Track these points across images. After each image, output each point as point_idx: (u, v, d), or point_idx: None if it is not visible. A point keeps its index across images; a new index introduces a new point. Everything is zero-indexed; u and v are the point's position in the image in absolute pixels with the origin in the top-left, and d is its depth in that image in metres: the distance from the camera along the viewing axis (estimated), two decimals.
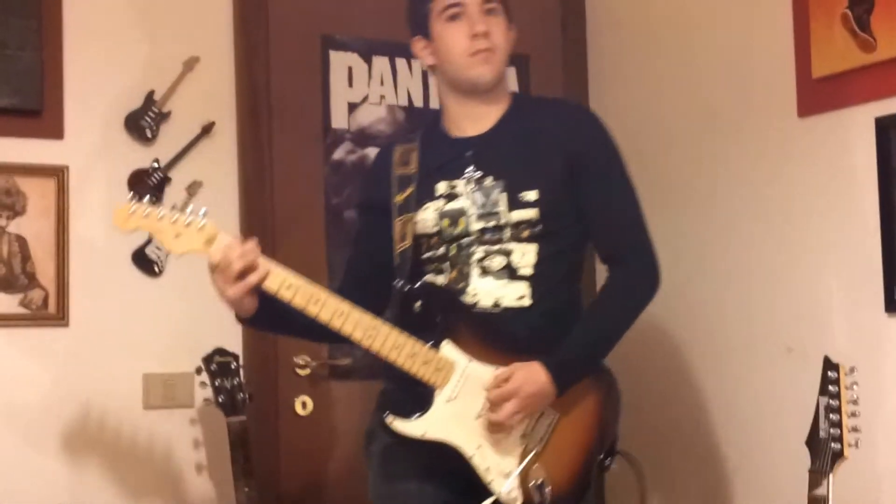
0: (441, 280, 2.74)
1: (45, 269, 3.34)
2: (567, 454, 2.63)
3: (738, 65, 3.49)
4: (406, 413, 2.60)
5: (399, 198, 2.78)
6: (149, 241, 3.42)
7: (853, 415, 2.55)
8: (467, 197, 2.73)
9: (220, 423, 3.25)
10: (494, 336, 2.66)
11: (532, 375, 2.58)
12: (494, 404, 2.57)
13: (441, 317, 2.64)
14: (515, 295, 2.69)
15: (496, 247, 2.70)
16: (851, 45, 3.08)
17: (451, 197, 2.75)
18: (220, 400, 3.24)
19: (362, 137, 3.73)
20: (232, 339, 3.37)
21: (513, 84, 3.97)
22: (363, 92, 3.75)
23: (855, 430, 2.54)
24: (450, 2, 2.74)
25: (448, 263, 2.74)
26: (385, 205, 2.80)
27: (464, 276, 2.71)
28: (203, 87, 3.56)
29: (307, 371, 3.61)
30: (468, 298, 2.69)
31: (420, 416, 2.59)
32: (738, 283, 3.47)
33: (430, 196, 2.76)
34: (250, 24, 3.61)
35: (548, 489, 2.56)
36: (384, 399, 2.76)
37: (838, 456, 2.53)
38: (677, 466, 3.66)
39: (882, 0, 3.01)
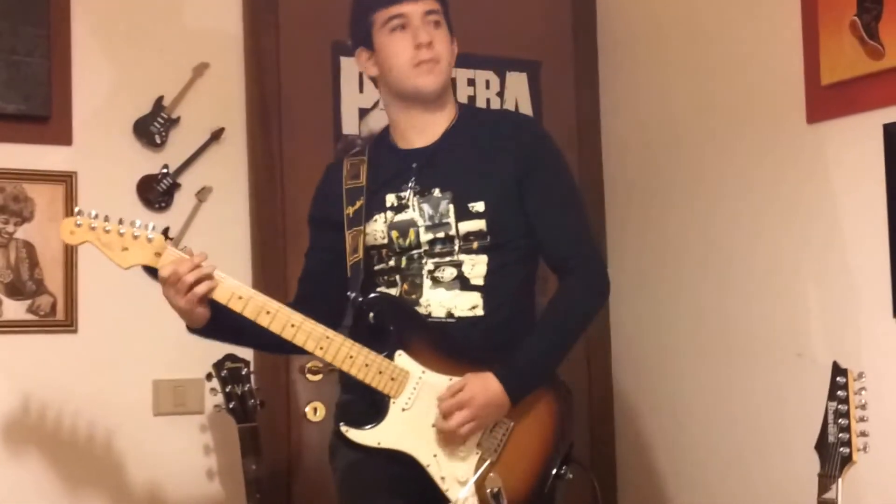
0: (394, 292, 2.75)
1: (53, 276, 3.35)
2: (523, 462, 2.64)
3: (748, 72, 3.51)
4: (361, 423, 2.62)
5: (349, 210, 2.80)
6: None
7: (862, 419, 2.56)
8: (415, 209, 2.74)
9: (231, 429, 3.25)
10: (448, 346, 2.67)
11: (485, 385, 2.59)
12: (447, 414, 2.58)
13: (395, 327, 2.66)
14: (468, 305, 2.70)
15: (447, 259, 2.72)
16: (860, 52, 3.09)
17: (399, 209, 2.76)
18: (230, 406, 3.25)
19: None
20: None
21: (524, 91, 4.01)
22: (374, 97, 3.73)
23: (864, 434, 2.55)
24: (393, 13, 2.75)
25: (399, 276, 2.75)
26: (336, 218, 2.81)
27: (416, 288, 2.72)
28: (213, 92, 3.58)
29: (318, 377, 3.61)
30: (421, 309, 2.71)
31: (375, 425, 2.61)
32: (747, 288, 3.48)
33: (380, 208, 2.77)
34: (260, 29, 3.63)
35: (504, 497, 2.56)
36: (340, 410, 2.77)
37: (847, 460, 2.54)
38: (686, 471, 3.68)
39: (890, 8, 3.03)
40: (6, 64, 3.28)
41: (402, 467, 2.61)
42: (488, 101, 3.94)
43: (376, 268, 2.78)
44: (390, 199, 2.77)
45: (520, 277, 2.78)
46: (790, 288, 3.34)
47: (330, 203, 2.85)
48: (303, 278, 2.92)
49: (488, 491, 2.56)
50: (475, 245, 2.71)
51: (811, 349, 3.25)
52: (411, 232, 2.73)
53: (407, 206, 2.75)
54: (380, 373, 2.61)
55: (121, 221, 2.60)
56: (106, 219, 2.59)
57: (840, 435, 2.55)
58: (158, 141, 3.49)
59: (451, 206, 2.71)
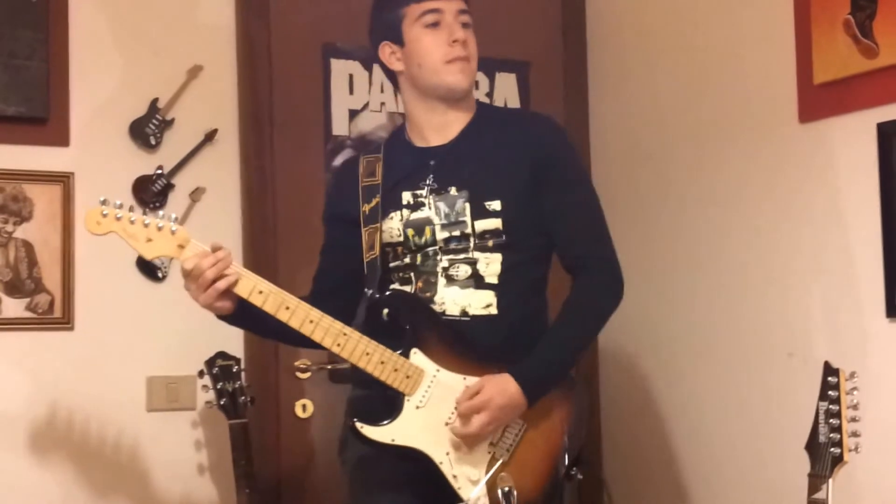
0: (408, 289, 2.75)
1: (51, 274, 3.38)
2: (534, 463, 2.65)
3: (739, 71, 3.47)
4: (375, 420, 2.62)
5: (366, 208, 2.79)
6: None
7: (853, 419, 2.52)
8: (431, 207, 2.74)
9: (222, 425, 3.28)
10: (463, 344, 2.67)
11: (503, 387, 2.59)
12: (465, 416, 2.59)
13: (410, 325, 2.65)
14: (482, 303, 2.71)
15: (461, 256, 2.72)
16: (853, 51, 3.06)
17: (415, 207, 2.76)
18: (221, 403, 3.27)
19: (363, 144, 3.73)
20: (234, 342, 3.41)
21: (513, 90, 4.00)
22: (364, 99, 3.78)
23: (855, 434, 2.52)
24: (428, 7, 2.74)
25: (414, 273, 2.75)
26: (352, 216, 2.81)
27: (430, 285, 2.73)
28: (206, 94, 3.60)
29: (307, 374, 3.64)
30: (435, 307, 2.71)
31: (389, 422, 2.61)
32: (739, 288, 3.46)
33: (395, 206, 2.77)
34: (253, 32, 3.65)
35: (515, 497, 2.54)
36: (353, 406, 2.78)
37: (838, 460, 2.51)
38: (678, 471, 3.66)
39: (884, 6, 3.00)
40: (6, 67, 3.32)
41: (414, 464, 2.62)
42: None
43: (391, 265, 2.79)
44: (406, 196, 2.77)
45: (533, 277, 2.78)
46: (783, 287, 3.31)
47: (346, 200, 2.84)
48: (318, 276, 2.92)
49: (499, 490, 2.55)
50: (490, 243, 2.71)
51: (804, 349, 3.21)
52: (427, 230, 2.74)
53: (423, 204, 2.76)
54: (395, 370, 2.61)
55: (145, 212, 2.62)
56: (131, 209, 2.61)
57: (831, 435, 2.52)
58: (153, 142, 3.52)
59: (468, 205, 2.71)
